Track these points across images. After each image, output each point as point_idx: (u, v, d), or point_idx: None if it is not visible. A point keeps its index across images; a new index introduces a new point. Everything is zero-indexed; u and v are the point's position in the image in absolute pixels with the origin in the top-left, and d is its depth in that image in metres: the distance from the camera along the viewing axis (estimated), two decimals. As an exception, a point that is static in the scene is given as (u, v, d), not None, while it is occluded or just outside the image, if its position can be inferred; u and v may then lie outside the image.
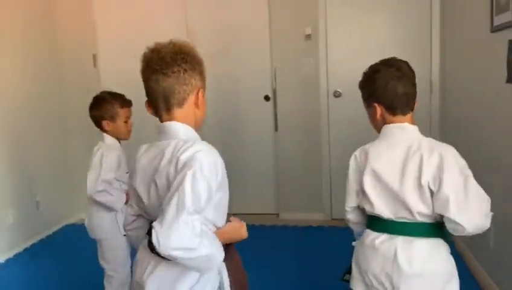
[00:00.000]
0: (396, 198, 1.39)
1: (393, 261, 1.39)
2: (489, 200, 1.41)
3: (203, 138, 1.31)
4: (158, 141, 1.26)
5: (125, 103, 2.27)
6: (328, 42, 3.69)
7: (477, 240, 2.76)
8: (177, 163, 1.14)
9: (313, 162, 3.83)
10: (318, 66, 3.72)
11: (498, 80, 2.30)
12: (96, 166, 2.15)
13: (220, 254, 1.17)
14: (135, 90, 4.21)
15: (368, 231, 1.49)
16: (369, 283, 1.46)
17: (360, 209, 1.53)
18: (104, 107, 2.22)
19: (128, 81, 3.99)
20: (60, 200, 4.00)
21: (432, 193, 1.35)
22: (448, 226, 1.38)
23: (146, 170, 1.24)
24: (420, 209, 1.37)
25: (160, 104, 1.27)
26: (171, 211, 1.07)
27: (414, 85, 1.54)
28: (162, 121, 1.28)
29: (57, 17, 4.01)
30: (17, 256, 3.38)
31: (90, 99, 3.95)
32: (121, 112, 2.23)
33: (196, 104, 1.29)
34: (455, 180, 1.36)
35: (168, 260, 1.13)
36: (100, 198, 2.11)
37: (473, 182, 1.40)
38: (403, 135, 1.49)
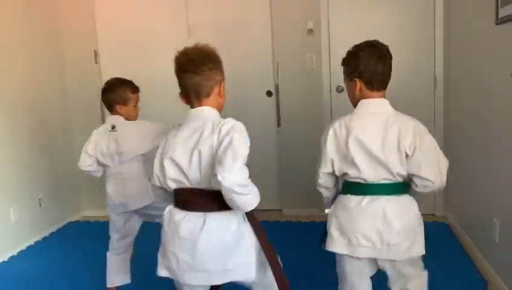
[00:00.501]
0: (379, 162, 1.61)
1: (383, 218, 1.61)
2: (448, 162, 1.72)
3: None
4: (188, 123, 1.58)
5: (135, 89, 2.49)
6: (330, 36, 3.66)
7: (482, 234, 2.74)
8: (219, 133, 1.48)
9: (316, 158, 3.80)
10: (320, 61, 3.69)
11: (503, 73, 2.27)
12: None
13: (258, 197, 1.49)
14: (135, 83, 4.20)
15: (349, 196, 1.67)
16: (356, 242, 1.64)
17: (332, 175, 1.74)
18: (117, 92, 2.40)
19: (129, 77, 3.98)
20: (63, 197, 3.99)
21: (407, 156, 1.61)
22: (420, 184, 1.65)
23: (186, 144, 1.52)
24: (399, 171, 1.62)
25: (192, 96, 1.60)
26: (228, 160, 1.41)
27: (390, 67, 1.73)
28: (193, 108, 1.61)
29: (58, 14, 3.98)
30: (20, 254, 3.37)
31: (92, 96, 4.00)
32: (132, 97, 2.44)
33: (219, 94, 1.62)
34: (427, 146, 1.63)
35: (213, 212, 1.50)
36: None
37: (437, 148, 1.69)
38: (383, 108, 1.70)
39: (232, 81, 4.03)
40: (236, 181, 1.40)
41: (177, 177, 1.54)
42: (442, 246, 3.13)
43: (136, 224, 2.52)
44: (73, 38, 4.01)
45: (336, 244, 1.69)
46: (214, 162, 1.45)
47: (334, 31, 3.66)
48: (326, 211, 1.78)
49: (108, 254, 2.54)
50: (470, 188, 3.01)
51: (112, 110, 2.42)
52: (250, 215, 1.57)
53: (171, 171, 1.54)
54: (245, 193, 1.43)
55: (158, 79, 3.73)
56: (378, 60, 1.70)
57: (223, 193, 1.41)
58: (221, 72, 1.64)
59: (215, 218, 1.51)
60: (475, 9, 2.78)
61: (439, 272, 2.74)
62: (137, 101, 2.49)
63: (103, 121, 4.06)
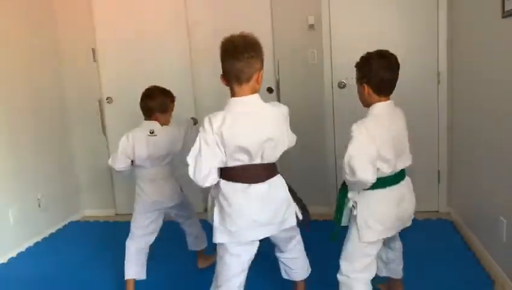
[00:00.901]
0: (402, 154, 1.93)
1: (403, 199, 1.95)
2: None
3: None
4: (236, 110, 1.77)
5: (173, 98, 2.63)
6: (332, 32, 3.61)
7: (488, 232, 2.69)
8: (283, 117, 1.86)
9: (318, 154, 3.77)
10: (322, 57, 3.64)
11: (510, 68, 2.22)
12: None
13: None
14: (134, 83, 4.17)
15: (377, 189, 1.87)
16: (387, 225, 1.93)
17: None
18: (157, 100, 2.55)
19: (128, 75, 3.95)
20: (62, 197, 3.95)
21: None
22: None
23: (254, 132, 1.75)
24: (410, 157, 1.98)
25: (233, 80, 1.77)
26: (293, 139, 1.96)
27: (397, 75, 1.94)
28: (232, 90, 1.80)
29: (56, 12, 3.93)
30: (20, 255, 3.34)
31: (90, 95, 3.95)
32: (171, 106, 2.61)
33: (257, 81, 1.79)
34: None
35: (272, 179, 1.86)
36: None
37: None
38: (391, 109, 1.97)
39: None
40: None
41: (244, 158, 1.77)
42: (446, 243, 3.09)
43: (160, 222, 2.67)
44: (71, 37, 3.96)
45: (375, 233, 1.95)
46: (280, 144, 1.84)
47: (336, 26, 3.60)
48: (351, 203, 2.00)
49: (128, 243, 2.62)
50: (474, 184, 2.96)
51: (151, 117, 2.56)
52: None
53: (238, 156, 1.76)
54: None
55: (157, 78, 3.67)
56: (386, 69, 1.90)
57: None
58: (262, 60, 1.81)
59: (275, 182, 1.86)
60: (480, 2, 2.72)
61: (444, 269, 2.70)
62: (172, 110, 2.63)
63: (102, 120, 4.03)
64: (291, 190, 1.96)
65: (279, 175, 1.90)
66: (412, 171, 3.85)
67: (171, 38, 3.84)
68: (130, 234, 2.62)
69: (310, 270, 2.28)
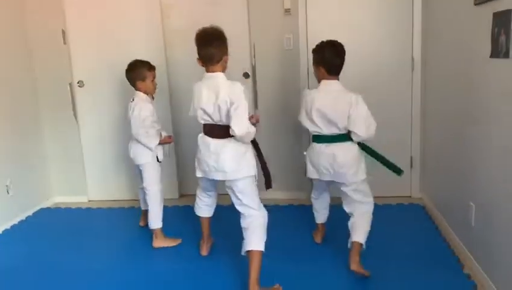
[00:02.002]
0: (332, 123, 2.46)
1: (334, 157, 2.50)
2: (375, 124, 2.48)
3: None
4: (206, 82, 2.36)
5: (151, 67, 3.02)
6: (308, 17, 3.58)
7: (458, 217, 2.75)
8: (232, 95, 2.26)
9: (294, 141, 3.77)
10: (298, 42, 3.61)
11: (482, 54, 2.25)
12: (136, 116, 2.91)
13: (254, 134, 2.35)
14: (106, 66, 4.07)
15: (314, 143, 2.59)
16: (320, 170, 2.58)
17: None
18: (137, 70, 2.97)
19: (100, 58, 3.84)
20: (32, 184, 3.85)
21: (349, 117, 2.42)
22: (353, 136, 2.47)
23: (209, 99, 2.32)
24: (345, 126, 2.45)
25: (207, 62, 2.35)
26: (240, 117, 2.24)
27: (343, 59, 2.50)
28: (207, 70, 2.37)
29: (22, -9, 3.78)
30: (-13, 243, 3.25)
31: (61, 78, 3.83)
32: (149, 74, 2.99)
33: (225, 62, 2.39)
34: (359, 112, 2.42)
35: (228, 139, 2.35)
36: (141, 140, 2.96)
37: (369, 113, 2.45)
38: (335, 87, 2.49)
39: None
40: (243, 131, 2.25)
41: (206, 117, 2.39)
42: (418, 227, 3.16)
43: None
44: (39, 18, 3.81)
45: (309, 173, 2.67)
46: (229, 112, 2.26)
47: (312, 11, 3.57)
48: (304, 153, 2.71)
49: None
50: (446, 170, 3.02)
51: (135, 86, 3.01)
52: (255, 144, 2.47)
53: (202, 115, 2.40)
54: (247, 136, 2.31)
55: (128, 60, 3.60)
56: (336, 55, 2.48)
57: (233, 134, 2.27)
58: (227, 46, 2.38)
59: (230, 141, 2.36)
60: (454, -11, 2.74)
61: (414, 253, 2.76)
62: (154, 77, 3.04)
63: (73, 104, 3.92)
64: (260, 155, 2.48)
65: (233, 138, 2.34)
66: (385, 156, 3.90)
67: (144, 20, 3.75)
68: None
69: (260, 247, 2.35)
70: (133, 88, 3.05)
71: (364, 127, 2.42)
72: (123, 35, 3.77)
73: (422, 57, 3.49)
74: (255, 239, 2.37)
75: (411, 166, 3.70)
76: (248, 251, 2.36)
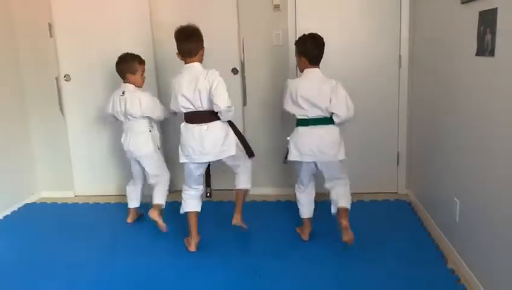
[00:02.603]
0: (316, 106, 2.67)
1: (319, 137, 2.69)
2: (353, 106, 2.68)
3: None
4: (186, 73, 2.67)
5: (142, 61, 3.15)
6: (297, 13, 3.59)
7: (443, 213, 2.79)
8: (209, 79, 2.58)
9: (282, 136, 3.77)
10: (287, 38, 3.62)
11: (468, 52, 2.28)
12: (146, 104, 3.09)
13: (233, 113, 2.67)
14: (92, 60, 4.03)
15: (300, 127, 2.75)
16: (304, 152, 2.71)
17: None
18: (128, 63, 3.08)
19: (86, 52, 3.80)
20: (18, 178, 3.81)
21: (330, 100, 2.65)
22: (334, 118, 2.67)
23: (189, 86, 2.61)
24: (327, 107, 2.65)
25: (186, 55, 2.66)
26: (220, 93, 2.54)
27: (323, 50, 2.74)
28: (186, 62, 2.69)
29: (7, -17, 3.72)
30: (-29, 238, 3.20)
31: (48, 72, 3.78)
32: (139, 67, 3.12)
33: (201, 54, 2.71)
34: (340, 95, 2.65)
35: (211, 122, 2.66)
36: (168, 116, 3.22)
37: (347, 97, 2.67)
38: (317, 74, 2.72)
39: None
40: (226, 104, 2.54)
41: (188, 105, 2.65)
42: (403, 223, 3.19)
43: (137, 168, 3.31)
44: (26, 10, 3.76)
45: (291, 156, 2.77)
46: (209, 96, 2.56)
47: (301, 7, 3.58)
48: (288, 138, 2.82)
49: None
50: (432, 166, 3.06)
51: (124, 78, 3.11)
52: (231, 123, 2.76)
53: (183, 102, 2.65)
54: (230, 111, 2.60)
55: (117, 54, 3.56)
56: (316, 47, 2.71)
57: (218, 111, 2.57)
58: (202, 41, 2.71)
59: (213, 124, 2.66)
60: (441, -12, 2.77)
61: (400, 249, 2.80)
62: (143, 71, 3.17)
63: (60, 98, 3.88)
64: (238, 134, 2.79)
65: (219, 121, 2.66)
66: (372, 152, 3.95)
67: (132, 14, 3.72)
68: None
69: (248, 186, 2.99)
70: (120, 82, 3.04)
71: (345, 108, 2.65)
72: (110, 29, 3.74)
73: (410, 55, 3.53)
74: (245, 179, 2.96)
75: (397, 163, 3.75)
76: (239, 189, 2.96)
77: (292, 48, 3.60)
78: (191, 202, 2.88)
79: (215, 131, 2.66)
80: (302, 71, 2.78)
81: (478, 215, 2.25)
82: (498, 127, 2.00)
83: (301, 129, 2.73)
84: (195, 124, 2.66)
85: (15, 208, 3.74)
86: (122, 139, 3.17)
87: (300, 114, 2.72)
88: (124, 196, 3.40)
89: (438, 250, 2.72)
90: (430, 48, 3.06)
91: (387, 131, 3.68)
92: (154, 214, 3.03)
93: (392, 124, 3.68)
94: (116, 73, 3.16)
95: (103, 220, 3.47)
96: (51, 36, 3.79)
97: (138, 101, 3.04)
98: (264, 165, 3.79)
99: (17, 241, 3.14)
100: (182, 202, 2.90)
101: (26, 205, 3.86)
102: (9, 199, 3.68)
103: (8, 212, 3.64)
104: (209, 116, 2.63)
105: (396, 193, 3.78)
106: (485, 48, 2.07)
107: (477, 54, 2.17)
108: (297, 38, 2.81)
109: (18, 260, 2.84)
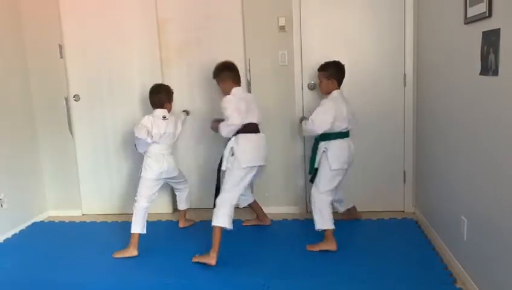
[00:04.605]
0: (349, 120, 3.11)
1: (350, 147, 3.15)
2: None
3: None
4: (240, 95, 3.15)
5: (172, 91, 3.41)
6: (302, 34, 3.64)
7: (450, 231, 2.78)
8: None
9: (288, 155, 3.79)
10: (293, 58, 3.67)
11: (472, 71, 2.30)
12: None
13: None
14: (102, 80, 4.10)
15: (338, 140, 3.11)
16: (344, 161, 3.11)
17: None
18: (168, 94, 3.34)
19: (96, 72, 3.87)
20: (27, 197, 3.84)
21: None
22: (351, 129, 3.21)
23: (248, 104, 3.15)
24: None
25: (238, 82, 3.23)
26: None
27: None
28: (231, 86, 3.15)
29: (21, 7, 3.81)
30: (-20, 257, 3.22)
31: (57, 92, 3.86)
32: (173, 97, 3.39)
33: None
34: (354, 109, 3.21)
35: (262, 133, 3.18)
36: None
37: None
38: (342, 94, 3.18)
39: (203, 78, 4.02)
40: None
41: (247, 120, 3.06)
42: (411, 242, 3.17)
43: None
44: (37, 32, 3.84)
45: (337, 164, 3.12)
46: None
47: (306, 28, 3.64)
48: (323, 144, 3.17)
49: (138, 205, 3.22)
50: (439, 185, 3.05)
51: (162, 106, 3.28)
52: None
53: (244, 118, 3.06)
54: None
55: (126, 75, 3.63)
56: (342, 73, 3.20)
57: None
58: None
59: (263, 135, 3.16)
60: (445, 8, 2.81)
61: (408, 268, 2.77)
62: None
63: (69, 118, 3.94)
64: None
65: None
66: (378, 171, 3.94)
67: (141, 35, 3.79)
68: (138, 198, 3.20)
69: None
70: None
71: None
72: (119, 50, 3.81)
73: (414, 73, 3.56)
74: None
75: (404, 181, 3.74)
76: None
77: (298, 67, 3.67)
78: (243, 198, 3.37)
79: (264, 138, 3.27)
80: (326, 92, 3.17)
81: (486, 234, 2.24)
82: (504, 146, 2.00)
83: (339, 141, 3.09)
84: (254, 134, 3.10)
85: (23, 226, 3.76)
86: (155, 163, 3.21)
87: (341, 129, 3.09)
88: (130, 214, 3.42)
89: (446, 269, 2.70)
90: (434, 67, 3.09)
91: (393, 149, 3.68)
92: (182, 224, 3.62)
93: (398, 142, 3.69)
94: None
95: (110, 238, 3.47)
96: (61, 57, 3.86)
97: (177, 124, 3.38)
98: (271, 184, 3.81)
99: (26, 259, 3.15)
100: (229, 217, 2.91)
101: (35, 223, 3.88)
102: (18, 218, 3.71)
103: (16, 230, 3.67)
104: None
105: (403, 211, 3.76)
106: (489, 67, 2.10)
107: (481, 73, 2.19)
108: (327, 63, 3.20)
109: (26, 279, 2.84)
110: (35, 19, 3.82)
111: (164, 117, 3.23)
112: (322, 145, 3.13)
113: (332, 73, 3.13)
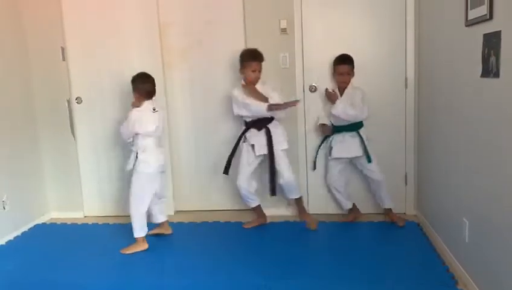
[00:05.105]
0: None
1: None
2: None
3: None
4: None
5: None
6: (304, 36, 3.65)
7: (452, 233, 2.78)
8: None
9: (290, 158, 3.79)
10: (294, 61, 3.67)
11: (473, 74, 2.31)
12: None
13: None
14: (104, 83, 4.11)
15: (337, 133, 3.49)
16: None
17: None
18: (153, 83, 3.23)
19: (98, 75, 3.89)
20: (29, 199, 3.84)
21: None
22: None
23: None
24: None
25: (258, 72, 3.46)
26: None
27: None
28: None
29: (23, 9, 3.82)
30: (-18, 258, 3.23)
31: (59, 94, 3.87)
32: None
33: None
34: None
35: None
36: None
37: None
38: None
39: (205, 80, 4.03)
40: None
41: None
42: (413, 244, 3.17)
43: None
44: (39, 35, 3.86)
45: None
46: None
47: (308, 30, 3.65)
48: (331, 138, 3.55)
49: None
50: (440, 187, 3.05)
51: (151, 97, 3.20)
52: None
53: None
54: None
55: (128, 78, 3.62)
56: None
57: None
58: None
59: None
60: (445, 11, 2.82)
61: (409, 270, 2.77)
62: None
63: (71, 120, 3.95)
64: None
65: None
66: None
67: (143, 38, 3.81)
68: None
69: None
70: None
71: None
72: (121, 53, 3.82)
73: (416, 76, 3.56)
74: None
75: (406, 183, 3.74)
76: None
77: (299, 69, 3.68)
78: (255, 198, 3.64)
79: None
80: (348, 84, 3.45)
81: (488, 236, 2.24)
82: (505, 148, 2.01)
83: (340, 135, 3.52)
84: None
85: (25, 228, 3.77)
86: (156, 157, 3.20)
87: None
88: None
89: (448, 272, 2.69)
90: (436, 69, 3.10)
91: (394, 151, 3.68)
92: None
93: (400, 145, 3.69)
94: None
95: (112, 240, 3.48)
96: (63, 60, 3.88)
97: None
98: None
99: (28, 261, 3.16)
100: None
101: (37, 225, 3.89)
102: (20, 220, 3.72)
103: (18, 232, 3.67)
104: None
105: (404, 213, 3.76)
106: (490, 69, 2.10)
107: (482, 75, 2.20)
108: (349, 56, 3.44)
109: (28, 280, 2.85)
110: (37, 22, 3.84)
111: (154, 109, 3.18)
112: (363, 132, 3.45)
113: (353, 66, 3.42)
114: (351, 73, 3.41)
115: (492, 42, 2.07)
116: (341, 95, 3.47)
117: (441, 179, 3.01)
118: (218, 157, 3.86)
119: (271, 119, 3.43)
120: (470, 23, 2.35)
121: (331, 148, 3.52)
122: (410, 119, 3.64)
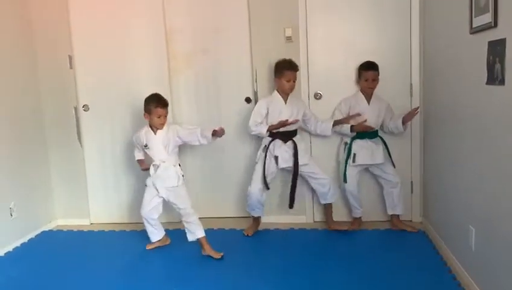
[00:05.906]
0: None
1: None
2: None
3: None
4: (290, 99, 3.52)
5: (159, 103, 3.16)
6: (308, 44, 3.67)
7: (458, 241, 2.76)
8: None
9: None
10: (299, 68, 3.68)
11: (478, 81, 2.31)
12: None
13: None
14: (111, 90, 4.13)
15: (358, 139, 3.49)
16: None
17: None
18: (146, 104, 3.19)
19: (105, 83, 3.92)
20: (35, 206, 3.87)
21: None
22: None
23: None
24: None
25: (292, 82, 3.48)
26: None
27: None
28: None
29: (31, 18, 3.88)
30: (-11, 265, 3.25)
31: (67, 102, 3.91)
32: (154, 110, 3.14)
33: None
34: None
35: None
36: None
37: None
38: None
39: (211, 88, 4.05)
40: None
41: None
42: (419, 252, 3.15)
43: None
44: (47, 43, 3.90)
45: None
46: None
47: (313, 38, 3.67)
48: (347, 140, 3.57)
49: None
50: (446, 194, 3.04)
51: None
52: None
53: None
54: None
55: (134, 85, 3.66)
56: None
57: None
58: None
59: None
60: (450, 19, 2.83)
61: (416, 278, 2.76)
62: (160, 114, 3.19)
63: (78, 128, 3.98)
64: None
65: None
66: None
67: (149, 45, 3.84)
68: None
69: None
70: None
71: None
72: (128, 60, 3.86)
73: (421, 83, 3.56)
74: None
75: (411, 191, 3.73)
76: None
77: (304, 77, 3.69)
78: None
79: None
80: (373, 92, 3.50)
81: (495, 244, 2.23)
82: (511, 155, 2.00)
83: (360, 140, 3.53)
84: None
85: (32, 235, 3.79)
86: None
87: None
88: (140, 223, 3.44)
89: (454, 280, 2.67)
90: (440, 76, 3.10)
91: (400, 159, 3.67)
92: (207, 251, 3.20)
93: (405, 152, 3.68)
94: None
95: (119, 247, 3.49)
96: (70, 68, 3.92)
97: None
98: (279, 191, 3.81)
99: (34, 267, 3.17)
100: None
101: (43, 232, 3.91)
102: (26, 227, 3.74)
103: (25, 239, 3.69)
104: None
105: (411, 221, 3.74)
106: (495, 76, 2.10)
107: (488, 82, 2.20)
108: (375, 64, 3.46)
109: (34, 287, 2.86)
110: (45, 30, 3.88)
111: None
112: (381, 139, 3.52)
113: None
114: (376, 79, 3.45)
115: (497, 50, 2.08)
116: (367, 100, 3.49)
117: (447, 186, 3.00)
118: (223, 163, 3.87)
119: (296, 131, 3.50)
120: (474, 31, 2.35)
121: (354, 154, 3.48)
122: (416, 127, 3.63)
